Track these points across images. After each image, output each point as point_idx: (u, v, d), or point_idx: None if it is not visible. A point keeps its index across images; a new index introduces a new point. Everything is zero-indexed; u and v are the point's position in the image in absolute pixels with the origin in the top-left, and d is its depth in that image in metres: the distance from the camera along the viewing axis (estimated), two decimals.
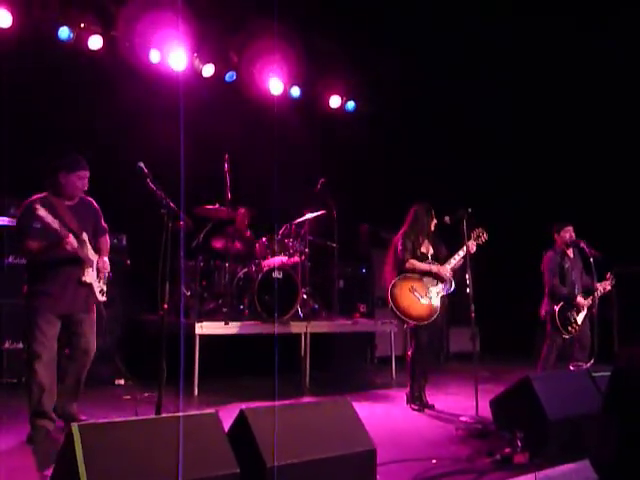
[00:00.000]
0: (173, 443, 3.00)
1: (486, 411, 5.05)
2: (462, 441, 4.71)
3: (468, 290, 5.60)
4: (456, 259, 5.79)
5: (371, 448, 3.50)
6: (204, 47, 8.39)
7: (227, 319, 6.70)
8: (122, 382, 6.69)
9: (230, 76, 8.59)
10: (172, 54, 7.94)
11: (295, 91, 9.08)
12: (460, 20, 8.52)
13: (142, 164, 4.33)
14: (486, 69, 9.15)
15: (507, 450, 4.16)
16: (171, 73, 7.93)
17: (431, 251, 5.87)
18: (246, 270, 7.24)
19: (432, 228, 5.90)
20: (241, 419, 3.31)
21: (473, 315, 5.61)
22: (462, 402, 5.88)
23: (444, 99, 9.25)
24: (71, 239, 4.36)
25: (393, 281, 5.71)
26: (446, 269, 5.75)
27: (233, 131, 8.08)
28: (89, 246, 4.66)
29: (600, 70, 8.83)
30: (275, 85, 8.86)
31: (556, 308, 6.36)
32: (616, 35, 8.21)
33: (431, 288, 5.72)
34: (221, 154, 7.22)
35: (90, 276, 4.67)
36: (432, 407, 5.82)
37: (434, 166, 9.55)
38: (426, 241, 5.89)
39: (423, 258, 5.79)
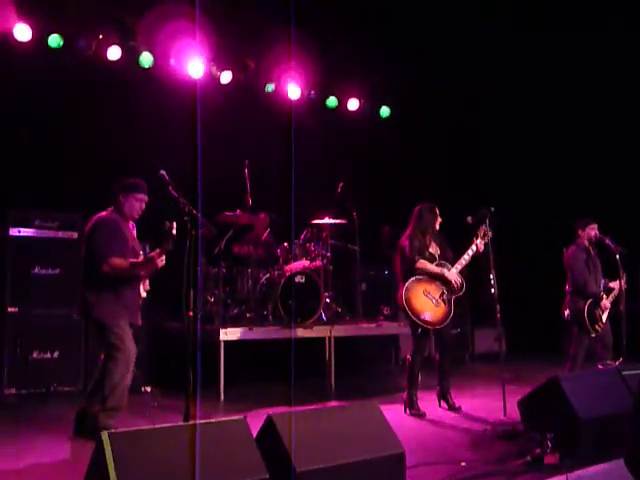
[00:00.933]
0: (202, 450, 3.01)
1: (514, 412, 5.02)
2: (491, 443, 4.67)
3: (493, 290, 5.56)
4: (466, 259, 5.70)
5: (400, 451, 3.49)
6: (221, 54, 8.45)
7: (251, 324, 6.72)
8: (148, 389, 6.72)
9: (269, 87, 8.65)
10: (190, 62, 7.99)
11: (312, 95, 9.08)
12: (481, 21, 8.48)
13: (164, 172, 4.36)
14: (503, 70, 9.10)
15: (537, 451, 4.11)
16: (189, 81, 7.99)
17: (438, 252, 5.79)
18: (268, 275, 7.26)
19: (437, 227, 5.82)
20: (269, 425, 3.32)
21: (499, 316, 5.57)
22: (489, 403, 5.83)
23: (462, 100, 9.20)
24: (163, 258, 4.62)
25: (406, 284, 5.59)
26: (455, 275, 5.64)
27: (252, 137, 8.12)
28: None
29: (603, 70, 8.76)
30: (293, 90, 8.88)
31: (584, 306, 6.26)
32: (616, 35, 8.10)
33: (444, 289, 5.63)
34: (241, 160, 7.26)
35: (142, 291, 4.96)
36: (459, 409, 5.74)
37: (454, 166, 9.50)
38: (433, 242, 5.82)
39: (432, 259, 5.69)
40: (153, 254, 4.62)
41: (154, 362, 6.84)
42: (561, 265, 6.54)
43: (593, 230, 6.47)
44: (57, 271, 6.57)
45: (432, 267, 5.64)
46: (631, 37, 8.04)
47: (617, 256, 6.18)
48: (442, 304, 5.60)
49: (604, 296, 6.33)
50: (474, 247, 5.72)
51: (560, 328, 8.46)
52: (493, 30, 8.63)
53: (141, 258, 4.81)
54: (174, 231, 4.50)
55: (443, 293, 5.61)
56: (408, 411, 5.69)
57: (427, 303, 5.57)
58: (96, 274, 4.63)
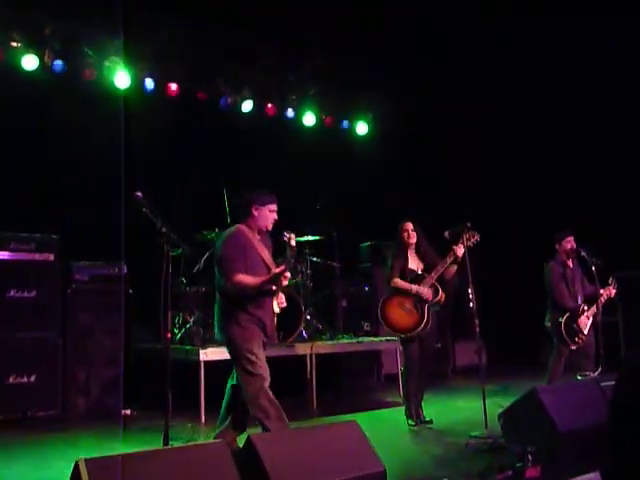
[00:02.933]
0: (181, 474, 2.98)
1: (495, 425, 5.03)
2: (473, 457, 4.67)
3: (471, 304, 5.57)
4: (440, 268, 5.72)
5: (381, 469, 3.48)
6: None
7: None
8: (128, 412, 6.64)
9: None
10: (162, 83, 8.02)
11: (290, 112, 9.11)
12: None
13: (140, 193, 4.35)
14: (492, 78, 9.21)
15: (518, 465, 4.12)
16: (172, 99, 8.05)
17: (421, 266, 5.87)
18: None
19: (412, 242, 5.88)
20: (249, 446, 3.29)
21: (478, 329, 5.59)
22: (471, 417, 5.83)
23: (443, 115, 9.30)
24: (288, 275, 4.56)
25: (383, 298, 5.90)
26: (423, 289, 5.70)
27: (230, 154, 8.13)
28: None
29: (600, 75, 8.90)
30: (271, 107, 8.94)
31: (562, 320, 6.32)
32: (616, 35, 8.20)
33: (417, 300, 5.73)
34: (220, 179, 7.26)
35: (276, 306, 4.79)
36: (430, 422, 5.78)
37: (433, 181, 9.58)
38: (414, 256, 5.91)
39: (411, 275, 5.82)
40: (277, 270, 4.47)
41: (133, 384, 6.75)
42: (542, 277, 6.62)
43: (569, 243, 6.54)
44: (33, 294, 6.47)
45: (403, 284, 5.79)
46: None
47: (593, 268, 6.24)
48: (415, 312, 5.73)
49: (585, 308, 6.39)
50: (451, 254, 5.71)
51: (540, 340, 8.57)
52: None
53: (277, 268, 4.56)
54: (293, 242, 4.49)
55: (416, 304, 5.74)
56: (408, 422, 5.79)
57: (400, 313, 5.76)
58: (224, 292, 4.57)
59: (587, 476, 4.08)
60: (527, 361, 9.10)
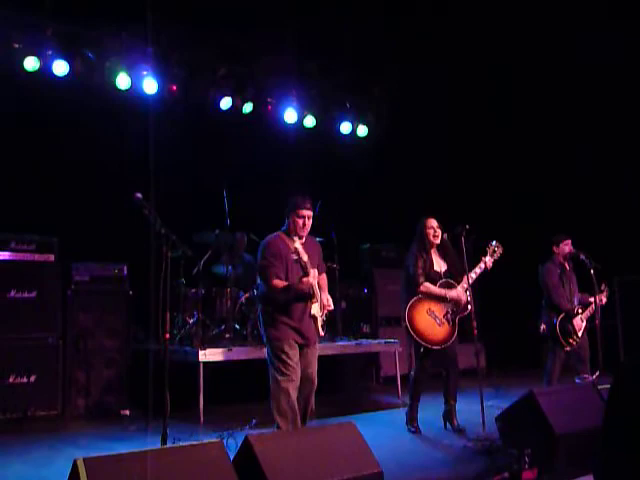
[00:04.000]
0: (178, 473, 3.00)
1: (493, 428, 5.04)
2: (470, 459, 4.68)
3: (469, 307, 5.59)
4: (472, 277, 5.57)
5: (378, 470, 3.50)
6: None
7: (231, 345, 6.69)
8: (127, 412, 6.67)
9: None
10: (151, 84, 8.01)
11: (292, 115, 9.11)
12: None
13: (140, 195, 4.36)
14: (479, 81, 9.24)
15: (515, 467, 4.14)
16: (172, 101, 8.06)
17: (444, 267, 5.64)
18: (248, 295, 7.25)
19: (438, 242, 5.61)
20: (246, 446, 3.31)
21: (476, 332, 5.60)
22: (469, 419, 5.84)
23: (440, 117, 9.31)
24: (309, 278, 4.68)
25: (410, 302, 5.50)
26: (461, 294, 5.52)
27: (230, 156, 8.15)
28: (315, 282, 4.91)
29: (589, 81, 8.93)
30: (272, 111, 8.95)
31: (556, 321, 6.34)
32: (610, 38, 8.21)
33: (448, 308, 5.53)
34: (220, 181, 7.28)
35: (315, 309, 4.91)
36: (463, 430, 5.54)
37: (432, 184, 9.60)
38: (438, 257, 5.67)
39: (436, 277, 5.57)
40: (304, 278, 4.71)
41: (132, 385, 6.78)
42: (538, 280, 6.64)
43: (567, 246, 6.57)
44: (33, 294, 6.48)
45: (435, 290, 5.52)
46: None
47: (592, 271, 6.26)
48: (445, 323, 5.51)
49: (579, 311, 6.41)
50: (482, 265, 5.65)
51: (538, 343, 8.57)
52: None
53: (314, 274, 4.81)
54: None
55: (447, 313, 5.52)
56: (407, 426, 5.71)
57: (430, 322, 5.48)
58: (264, 297, 4.86)
59: (583, 479, 4.10)
60: (525, 364, 9.11)
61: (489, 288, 7.90)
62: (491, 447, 4.77)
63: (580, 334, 6.35)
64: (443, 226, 5.74)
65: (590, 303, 6.39)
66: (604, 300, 6.53)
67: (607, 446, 1.72)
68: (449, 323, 5.52)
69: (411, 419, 5.71)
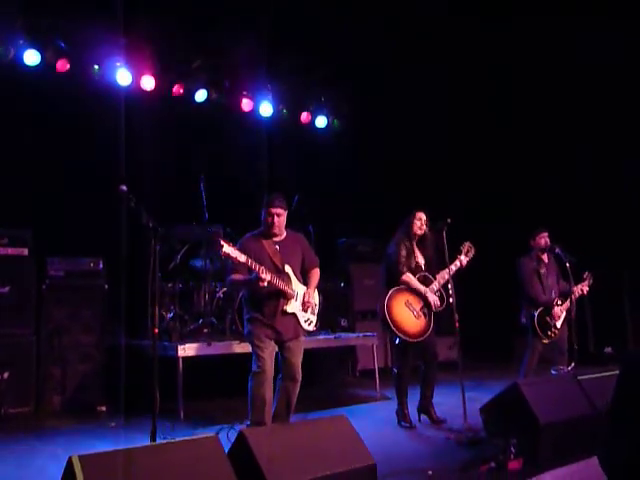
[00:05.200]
0: (175, 469, 2.97)
1: (475, 419, 5.11)
2: (455, 450, 4.74)
3: (451, 300, 5.64)
4: (447, 274, 5.66)
5: (371, 463, 3.51)
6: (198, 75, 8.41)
7: (209, 340, 6.64)
8: (104, 409, 6.57)
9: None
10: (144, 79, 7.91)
11: (267, 108, 9.07)
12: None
13: (124, 186, 4.28)
14: (459, 76, 9.29)
15: (501, 457, 4.20)
16: (153, 96, 7.94)
17: (423, 261, 5.73)
18: (225, 289, 7.20)
19: (421, 233, 5.69)
20: (241, 440, 3.29)
21: (457, 325, 5.65)
22: (449, 411, 5.90)
23: (415, 110, 9.35)
24: (263, 274, 4.61)
25: (389, 292, 5.53)
26: (435, 298, 5.59)
27: (207, 151, 8.08)
28: (293, 278, 4.95)
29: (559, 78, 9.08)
30: (246, 103, 8.89)
31: (535, 314, 6.44)
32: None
33: (425, 304, 5.58)
34: (197, 174, 7.21)
35: (293, 306, 4.92)
36: (444, 421, 5.64)
37: (409, 179, 9.65)
38: (418, 249, 5.75)
39: (417, 269, 5.65)
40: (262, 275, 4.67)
41: (109, 380, 6.68)
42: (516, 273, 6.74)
43: (543, 239, 6.67)
44: (6, 289, 6.32)
45: (416, 284, 5.58)
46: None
47: (567, 265, 6.37)
48: (422, 316, 5.56)
49: (559, 302, 6.52)
50: (457, 263, 5.76)
51: (513, 335, 8.72)
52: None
53: (287, 270, 4.91)
54: None
55: (424, 306, 5.58)
56: (400, 423, 5.70)
57: (408, 314, 5.52)
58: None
59: (567, 467, 4.18)
60: (500, 356, 9.24)
61: (465, 281, 8.01)
62: (475, 438, 4.84)
63: (559, 325, 6.47)
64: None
65: (570, 293, 6.49)
66: (586, 290, 6.65)
67: (614, 431, 1.75)
68: (425, 316, 5.58)
69: (403, 415, 5.69)
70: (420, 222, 5.68)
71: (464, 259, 5.81)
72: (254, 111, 9.01)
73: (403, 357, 5.68)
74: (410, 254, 5.64)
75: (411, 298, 5.57)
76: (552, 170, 9.18)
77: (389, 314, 5.46)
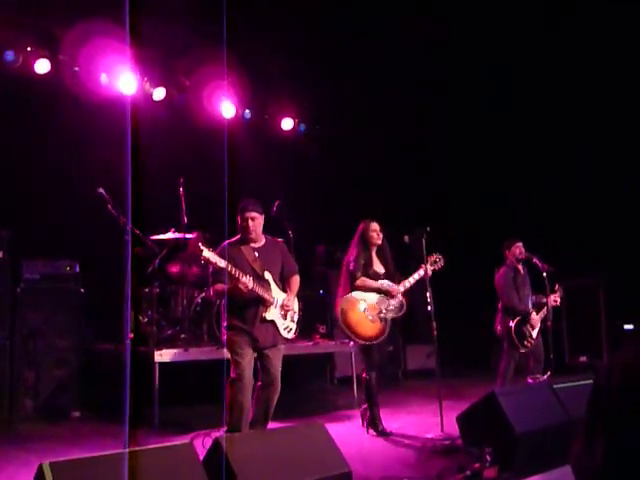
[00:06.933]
0: (148, 476, 2.93)
1: (451, 427, 5.12)
2: (431, 459, 4.75)
3: (429, 308, 5.66)
4: (411, 282, 5.73)
5: (347, 470, 3.50)
6: (154, 71, 8.33)
7: (186, 345, 6.58)
8: (78, 414, 6.48)
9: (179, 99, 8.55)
10: (121, 78, 7.82)
11: (247, 114, 9.06)
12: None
13: (102, 190, 4.25)
14: (435, 83, 9.32)
15: (476, 465, 4.21)
16: (121, 97, 7.82)
17: (383, 270, 5.79)
18: (204, 294, 7.14)
19: (379, 242, 5.76)
20: (216, 447, 3.26)
21: (435, 333, 5.67)
22: (426, 419, 5.93)
23: (394, 117, 9.38)
24: (244, 279, 4.61)
25: (345, 297, 5.60)
26: (397, 288, 5.66)
27: (186, 155, 8.03)
28: (273, 285, 4.94)
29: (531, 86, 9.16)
30: (227, 108, 8.84)
31: (512, 324, 6.48)
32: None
33: (382, 308, 5.62)
34: (175, 178, 7.16)
35: (272, 313, 4.90)
36: (390, 434, 5.62)
37: (389, 185, 9.67)
38: (377, 259, 5.81)
39: (375, 277, 5.69)
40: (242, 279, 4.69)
41: (83, 385, 6.59)
42: (491, 282, 6.77)
43: (518, 248, 6.72)
44: None
45: (371, 282, 5.63)
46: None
47: (544, 274, 6.43)
48: (378, 321, 5.59)
49: (533, 312, 6.58)
50: (421, 272, 5.78)
51: (489, 344, 8.76)
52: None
53: (267, 277, 4.92)
54: None
55: (381, 312, 5.62)
56: (372, 432, 5.65)
57: (363, 318, 5.57)
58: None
59: (541, 475, 4.20)
60: (476, 365, 9.29)
61: (441, 289, 8.05)
62: (451, 446, 4.85)
63: (535, 334, 6.51)
64: (397, 227, 5.89)
65: (544, 304, 6.55)
66: (558, 301, 6.72)
67: (588, 441, 1.76)
68: (380, 322, 5.62)
69: (375, 424, 5.68)
70: (375, 232, 5.77)
71: (429, 269, 5.80)
72: (233, 117, 8.97)
73: (370, 360, 5.71)
74: (367, 263, 5.72)
75: (367, 304, 5.62)
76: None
77: (344, 318, 5.54)
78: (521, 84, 9.20)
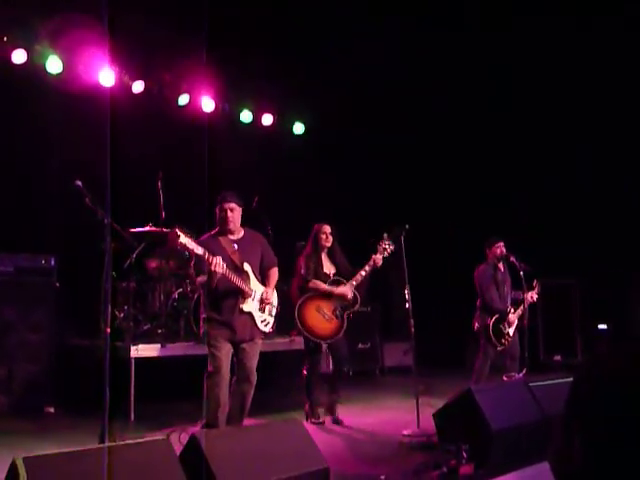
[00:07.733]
0: (124, 472, 2.90)
1: (427, 424, 5.14)
2: (407, 455, 4.78)
3: (407, 305, 5.69)
4: (362, 274, 5.88)
5: (325, 466, 3.50)
6: (132, 63, 8.25)
7: (163, 341, 6.53)
8: (52, 410, 6.39)
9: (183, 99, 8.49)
10: (101, 70, 7.73)
11: (226, 109, 9.02)
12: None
13: (80, 182, 4.19)
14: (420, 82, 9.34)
15: (453, 462, 4.23)
16: (100, 89, 7.72)
17: (333, 270, 6.01)
18: (181, 290, 7.10)
19: (329, 245, 6.01)
20: (193, 443, 3.24)
21: (412, 330, 5.70)
22: (402, 416, 5.94)
23: (378, 114, 9.38)
24: (216, 260, 4.53)
25: (300, 300, 5.84)
26: (346, 290, 5.84)
27: (166, 149, 7.96)
28: (252, 277, 4.93)
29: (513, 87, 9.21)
30: (206, 103, 8.79)
31: (490, 321, 6.53)
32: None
33: (337, 306, 5.84)
34: (154, 172, 7.09)
35: (250, 305, 4.88)
36: (341, 422, 5.90)
37: (369, 182, 9.68)
38: (327, 260, 6.04)
39: (325, 278, 5.92)
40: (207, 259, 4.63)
41: (57, 381, 6.51)
42: (469, 280, 6.82)
43: (499, 248, 6.78)
44: None
45: (322, 286, 5.88)
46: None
47: (521, 273, 6.49)
48: (334, 319, 5.83)
49: (511, 310, 6.63)
50: (371, 262, 5.89)
51: (464, 341, 8.83)
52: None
53: (246, 268, 4.92)
54: None
55: (336, 309, 5.84)
56: (310, 420, 5.91)
57: (319, 318, 5.81)
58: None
59: (517, 472, 4.24)
60: (451, 362, 9.34)
61: (417, 287, 8.08)
62: (427, 443, 4.87)
63: (512, 332, 6.57)
64: (378, 226, 6.06)
65: (521, 301, 6.61)
66: (535, 297, 6.79)
67: (567, 439, 1.77)
68: (337, 319, 5.84)
69: (311, 413, 5.98)
70: (325, 235, 6.01)
71: (378, 258, 5.88)
72: (213, 112, 8.92)
73: (313, 361, 6.03)
74: (317, 265, 5.95)
75: (321, 303, 5.87)
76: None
77: (301, 321, 5.80)
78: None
